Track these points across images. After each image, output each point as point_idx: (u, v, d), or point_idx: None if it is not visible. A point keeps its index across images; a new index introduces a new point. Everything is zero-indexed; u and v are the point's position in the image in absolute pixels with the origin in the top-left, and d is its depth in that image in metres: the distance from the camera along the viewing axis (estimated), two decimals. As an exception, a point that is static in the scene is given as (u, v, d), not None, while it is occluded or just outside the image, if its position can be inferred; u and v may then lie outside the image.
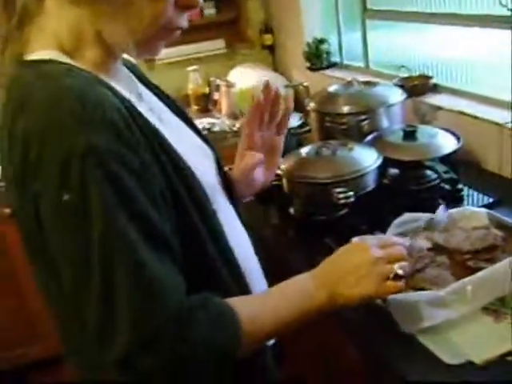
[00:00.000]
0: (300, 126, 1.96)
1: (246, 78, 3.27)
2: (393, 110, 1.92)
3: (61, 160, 0.72)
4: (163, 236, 0.78)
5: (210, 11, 3.44)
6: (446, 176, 1.64)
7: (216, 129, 2.87)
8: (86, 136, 0.72)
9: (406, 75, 2.32)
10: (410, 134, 1.69)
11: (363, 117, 1.86)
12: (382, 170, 1.63)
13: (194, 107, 3.36)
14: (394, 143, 1.70)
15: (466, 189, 1.66)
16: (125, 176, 0.74)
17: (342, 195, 1.41)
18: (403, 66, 2.36)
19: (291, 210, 1.65)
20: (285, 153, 1.73)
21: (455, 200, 1.60)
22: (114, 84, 0.85)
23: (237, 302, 0.85)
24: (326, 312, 0.92)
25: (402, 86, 2.17)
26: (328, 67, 3.02)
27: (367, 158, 1.58)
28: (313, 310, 0.91)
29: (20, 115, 0.76)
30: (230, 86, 3.00)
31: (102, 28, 0.83)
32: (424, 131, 1.72)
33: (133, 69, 1.05)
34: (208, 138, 1.12)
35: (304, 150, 1.64)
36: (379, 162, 1.57)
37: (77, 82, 0.77)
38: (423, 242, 1.26)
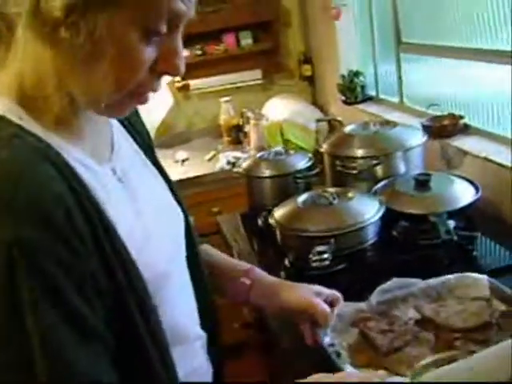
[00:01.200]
0: (308, 169, 1.83)
1: (281, 109, 3.18)
2: (411, 153, 1.77)
3: None
4: (95, 331, 0.70)
5: (246, 41, 3.38)
6: (459, 232, 1.47)
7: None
8: (14, 226, 0.64)
9: (436, 114, 2.16)
10: (422, 183, 1.55)
11: (377, 161, 1.72)
12: (390, 221, 1.50)
13: (226, 138, 3.28)
14: (404, 193, 1.55)
15: (483, 246, 1.49)
16: (54, 271, 0.66)
17: (316, 257, 1.27)
18: (434, 104, 2.20)
19: (286, 262, 1.52)
20: (289, 197, 1.64)
21: (468, 259, 1.43)
22: (70, 147, 0.76)
23: None
24: None
25: (429, 127, 2.02)
26: (363, 101, 2.89)
27: (367, 210, 1.44)
28: None
29: None
30: (258, 118, 2.91)
31: (65, 77, 0.72)
32: (439, 179, 1.57)
33: None
34: (180, 197, 1.02)
35: (300, 199, 1.52)
36: (380, 214, 1.43)
37: (16, 158, 0.67)
38: (410, 313, 1.11)
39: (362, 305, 1.13)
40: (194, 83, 3.43)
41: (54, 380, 0.65)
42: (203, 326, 0.99)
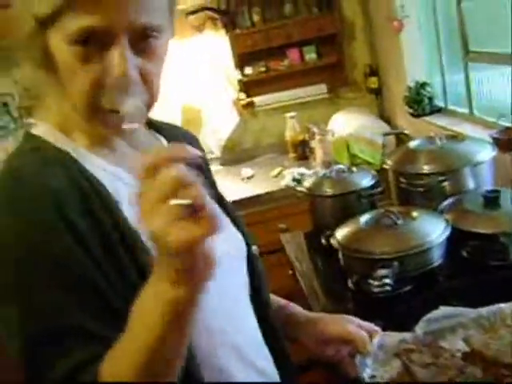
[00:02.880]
0: (373, 186, 1.79)
1: (347, 124, 3.14)
2: (480, 168, 1.70)
3: None
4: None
5: (310, 56, 3.37)
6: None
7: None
8: (12, 216, 0.73)
9: (506, 125, 2.07)
10: (491, 201, 1.48)
11: (444, 177, 1.66)
12: (459, 240, 1.44)
13: (292, 154, 3.27)
14: (472, 211, 1.49)
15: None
16: (40, 262, 0.72)
17: (377, 282, 1.23)
18: (503, 116, 2.10)
19: (349, 283, 1.49)
20: (353, 216, 1.60)
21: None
22: (102, 161, 0.83)
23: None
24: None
25: (499, 139, 1.94)
26: (431, 113, 2.81)
27: (432, 230, 1.39)
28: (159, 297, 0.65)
29: None
30: (324, 133, 2.88)
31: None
32: (509, 196, 1.49)
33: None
34: (243, 228, 1.02)
35: (363, 219, 1.48)
36: (446, 234, 1.38)
37: (25, 166, 0.77)
38: (459, 345, 1.03)
39: (407, 335, 1.05)
40: (258, 100, 3.45)
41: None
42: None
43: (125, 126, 0.72)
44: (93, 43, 0.74)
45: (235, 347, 0.89)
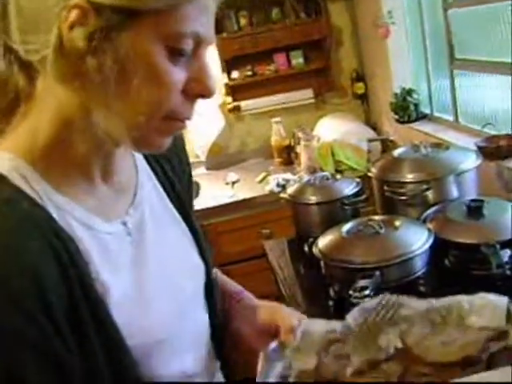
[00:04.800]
0: (356, 194, 1.78)
1: (332, 129, 3.13)
2: (464, 177, 1.69)
3: None
4: None
5: (298, 61, 3.36)
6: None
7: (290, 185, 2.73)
8: None
9: (492, 133, 2.07)
10: (474, 210, 1.47)
11: (427, 186, 1.65)
12: (442, 249, 1.43)
13: (277, 159, 3.25)
14: (455, 220, 1.48)
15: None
16: (17, 349, 0.64)
17: (356, 293, 1.21)
18: (489, 124, 2.11)
19: (330, 292, 1.47)
20: (336, 223, 1.59)
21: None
22: (73, 206, 0.74)
23: None
24: None
25: (484, 148, 1.94)
26: (416, 120, 2.81)
27: (415, 239, 1.38)
28: None
29: None
30: (309, 138, 2.87)
31: (95, 112, 0.70)
32: (493, 206, 1.49)
33: (156, 155, 0.92)
34: (205, 247, 0.96)
35: (345, 228, 1.47)
36: (428, 244, 1.37)
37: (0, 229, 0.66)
38: (391, 340, 0.86)
39: (337, 324, 0.89)
40: (245, 104, 3.43)
41: None
42: None
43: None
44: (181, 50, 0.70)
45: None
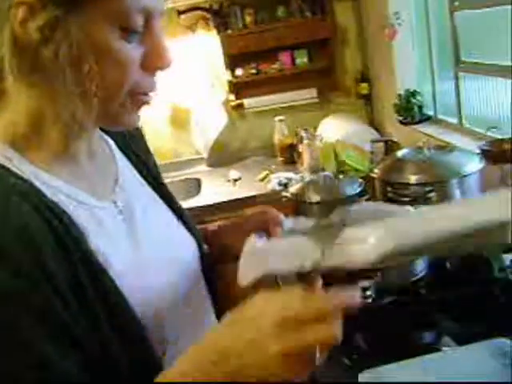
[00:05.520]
0: (358, 194, 1.77)
1: (336, 129, 3.13)
2: (467, 180, 1.68)
3: None
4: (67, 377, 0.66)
5: (302, 60, 3.35)
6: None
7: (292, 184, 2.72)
8: None
9: (496, 137, 2.06)
10: (477, 214, 1.46)
11: (431, 188, 1.64)
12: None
13: (280, 158, 3.25)
14: (457, 223, 1.47)
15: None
16: (23, 318, 0.64)
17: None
18: (493, 127, 2.10)
19: (331, 294, 1.46)
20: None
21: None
22: (62, 184, 0.76)
23: None
24: None
25: (487, 151, 1.93)
26: (420, 121, 2.80)
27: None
28: None
29: None
30: (312, 138, 2.86)
31: (62, 102, 0.73)
32: (496, 210, 1.48)
33: (127, 141, 0.95)
34: (192, 225, 0.99)
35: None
36: (431, 247, 1.35)
37: None
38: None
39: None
40: (248, 102, 3.42)
41: None
42: None
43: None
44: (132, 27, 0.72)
45: None
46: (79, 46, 0.69)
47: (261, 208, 1.03)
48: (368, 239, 0.71)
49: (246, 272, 0.81)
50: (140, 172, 0.95)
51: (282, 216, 0.99)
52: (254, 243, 0.86)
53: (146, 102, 0.79)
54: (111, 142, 0.93)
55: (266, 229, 0.96)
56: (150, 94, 0.78)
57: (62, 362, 0.65)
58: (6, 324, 0.63)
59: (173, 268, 0.87)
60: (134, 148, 0.97)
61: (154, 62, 0.75)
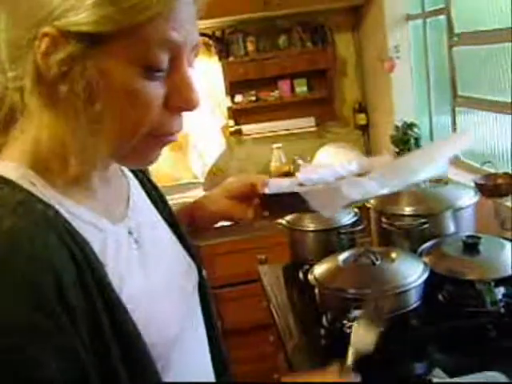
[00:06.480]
0: (353, 224, 1.78)
1: (332, 158, 3.15)
2: (462, 213, 1.70)
3: None
4: None
5: (301, 88, 3.39)
6: (509, 300, 1.39)
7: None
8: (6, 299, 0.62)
9: (490, 171, 2.08)
10: (471, 246, 1.47)
11: (425, 220, 1.66)
12: (436, 283, 1.43)
13: (276, 185, 3.26)
14: (451, 255, 1.48)
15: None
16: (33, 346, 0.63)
17: (350, 323, 1.21)
18: (488, 162, 2.12)
19: (323, 320, 1.47)
20: (331, 252, 1.59)
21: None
22: (82, 210, 0.75)
23: None
24: None
25: (482, 185, 1.95)
26: (416, 154, 2.83)
27: (410, 272, 1.38)
28: None
29: None
30: (308, 166, 2.88)
31: (79, 135, 0.71)
32: (489, 243, 1.49)
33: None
34: (193, 251, 1.00)
35: (342, 257, 1.47)
36: (423, 278, 1.37)
37: (18, 229, 0.65)
38: None
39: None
40: (246, 128, 3.45)
41: None
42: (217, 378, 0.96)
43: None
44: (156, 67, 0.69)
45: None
46: (94, 84, 0.67)
47: (242, 176, 1.10)
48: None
49: (328, 208, 0.92)
50: (147, 192, 0.96)
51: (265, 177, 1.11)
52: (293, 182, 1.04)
53: (170, 141, 0.77)
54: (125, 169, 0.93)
55: (250, 191, 1.10)
56: (176, 133, 0.76)
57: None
58: (27, 360, 0.61)
59: (177, 296, 0.87)
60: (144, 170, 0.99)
61: (178, 101, 0.72)
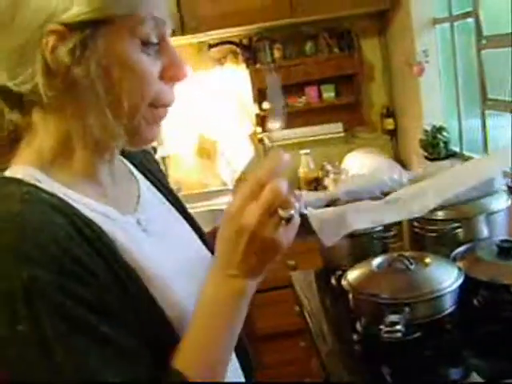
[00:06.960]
0: (385, 230, 1.78)
1: (361, 164, 3.15)
2: (495, 217, 1.69)
3: (4, 294, 0.69)
4: (129, 351, 0.73)
5: (329, 94, 3.39)
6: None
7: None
8: (26, 270, 0.68)
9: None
10: (505, 251, 1.47)
11: (458, 224, 1.66)
12: (471, 289, 1.43)
13: (304, 191, 3.27)
14: (485, 260, 1.48)
15: None
16: (71, 306, 0.70)
17: (388, 328, 1.22)
18: (520, 165, 2.10)
19: (357, 326, 1.47)
20: (364, 257, 1.60)
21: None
22: (89, 200, 0.81)
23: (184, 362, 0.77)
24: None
25: (514, 189, 1.93)
26: (446, 157, 2.81)
27: (445, 277, 1.37)
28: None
29: None
30: (337, 172, 2.88)
31: (94, 119, 0.78)
32: (524, 247, 1.48)
33: (143, 163, 1.01)
34: (208, 244, 1.02)
35: (375, 262, 1.47)
36: (458, 282, 1.36)
37: (26, 211, 0.72)
38: None
39: None
40: (274, 135, 3.46)
41: None
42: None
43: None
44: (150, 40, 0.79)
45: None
46: (107, 61, 0.75)
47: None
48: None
49: (328, 235, 0.98)
50: (159, 190, 1.00)
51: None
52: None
53: (163, 116, 0.84)
54: (130, 164, 0.98)
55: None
56: (169, 107, 0.84)
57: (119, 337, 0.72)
58: (58, 307, 0.68)
59: (192, 281, 0.89)
60: (149, 167, 1.03)
61: (171, 72, 0.81)
